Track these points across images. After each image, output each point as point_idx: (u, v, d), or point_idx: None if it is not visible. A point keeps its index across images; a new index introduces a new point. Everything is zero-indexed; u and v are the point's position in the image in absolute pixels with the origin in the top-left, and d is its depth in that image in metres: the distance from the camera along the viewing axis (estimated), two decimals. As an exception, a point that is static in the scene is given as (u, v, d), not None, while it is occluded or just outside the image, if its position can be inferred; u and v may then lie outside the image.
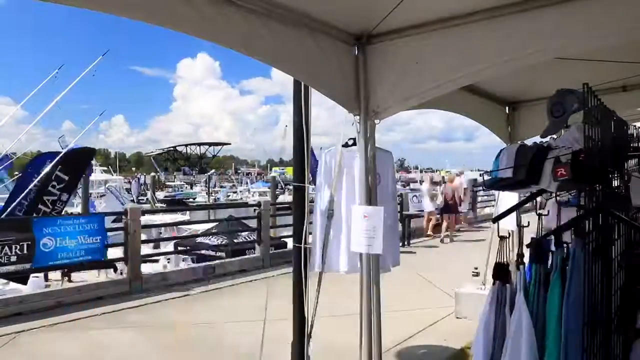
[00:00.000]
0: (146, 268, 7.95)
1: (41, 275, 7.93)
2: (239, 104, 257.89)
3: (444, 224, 12.64)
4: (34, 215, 8.17)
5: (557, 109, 2.55)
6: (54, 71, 11.33)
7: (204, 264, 8.63)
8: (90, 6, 1.82)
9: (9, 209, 8.85)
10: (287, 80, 3.20)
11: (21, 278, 6.86)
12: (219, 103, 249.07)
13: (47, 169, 8.95)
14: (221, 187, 59.75)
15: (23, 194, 8.87)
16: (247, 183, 60.10)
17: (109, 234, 7.40)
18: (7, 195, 9.86)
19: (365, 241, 2.63)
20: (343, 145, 3.25)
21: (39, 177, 9.03)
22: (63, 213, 9.10)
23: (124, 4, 1.81)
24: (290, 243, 8.99)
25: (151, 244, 11.64)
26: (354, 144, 3.14)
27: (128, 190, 36.69)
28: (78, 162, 9.80)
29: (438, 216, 13.10)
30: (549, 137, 2.66)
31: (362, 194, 2.76)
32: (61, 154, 9.18)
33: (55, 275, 8.56)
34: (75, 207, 24.18)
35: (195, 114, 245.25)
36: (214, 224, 12.10)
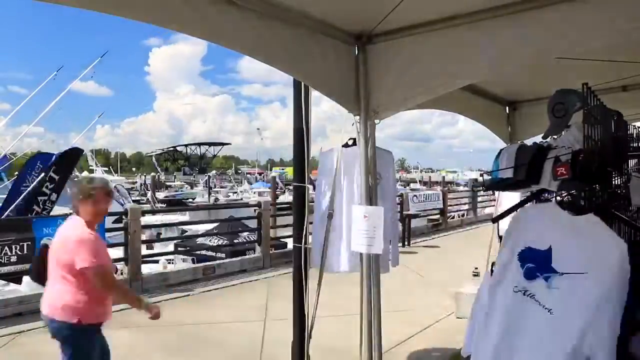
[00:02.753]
0: (145, 269, 7.94)
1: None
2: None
3: None
4: (28, 215, 8.18)
5: (559, 109, 2.54)
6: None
7: (204, 264, 8.63)
8: (89, 6, 1.82)
9: (7, 212, 8.86)
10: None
11: (16, 278, 6.80)
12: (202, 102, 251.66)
13: (43, 172, 9.02)
14: (222, 187, 59.75)
15: (22, 196, 8.90)
16: (247, 182, 60.10)
17: (109, 234, 7.39)
18: (5, 196, 9.91)
19: (365, 241, 2.63)
20: (343, 146, 3.27)
21: (33, 179, 9.08)
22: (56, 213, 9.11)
23: (122, 5, 1.81)
24: (290, 243, 8.98)
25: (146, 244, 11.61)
26: (354, 143, 3.15)
27: (129, 191, 36.59)
28: (68, 162, 9.93)
29: None
30: (550, 137, 2.65)
31: (363, 194, 2.76)
32: (55, 155, 9.26)
33: None
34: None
35: (176, 115, 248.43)
36: (215, 224, 12.10)
